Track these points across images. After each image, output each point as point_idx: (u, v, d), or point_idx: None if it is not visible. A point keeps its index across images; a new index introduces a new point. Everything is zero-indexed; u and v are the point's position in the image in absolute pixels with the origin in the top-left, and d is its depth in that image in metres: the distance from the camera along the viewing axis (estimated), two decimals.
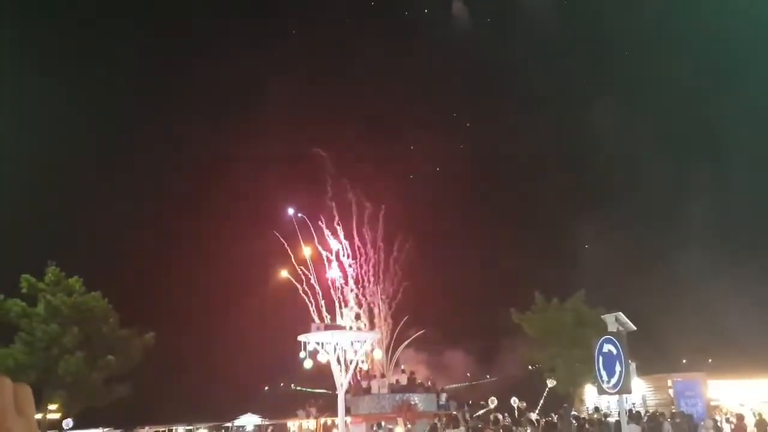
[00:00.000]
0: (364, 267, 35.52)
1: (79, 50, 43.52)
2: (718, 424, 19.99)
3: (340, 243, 35.32)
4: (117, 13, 46.33)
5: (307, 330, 17.60)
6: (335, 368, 17.33)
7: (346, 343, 17.91)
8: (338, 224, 35.42)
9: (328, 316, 33.11)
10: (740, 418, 19.86)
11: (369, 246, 35.85)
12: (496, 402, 28.12)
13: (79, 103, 41.24)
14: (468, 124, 49.55)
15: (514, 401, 27.23)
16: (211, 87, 49.00)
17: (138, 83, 45.78)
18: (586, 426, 19.47)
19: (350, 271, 35.18)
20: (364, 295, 35.01)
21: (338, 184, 36.43)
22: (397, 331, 34.13)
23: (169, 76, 47.67)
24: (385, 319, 34.86)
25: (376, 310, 34.96)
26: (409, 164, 43.89)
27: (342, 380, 17.20)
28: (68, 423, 25.34)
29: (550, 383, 27.56)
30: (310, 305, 33.70)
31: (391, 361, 33.73)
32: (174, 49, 47.43)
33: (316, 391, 33.44)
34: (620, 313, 10.55)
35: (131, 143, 45.34)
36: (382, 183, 37.41)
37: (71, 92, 40.43)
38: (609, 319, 10.32)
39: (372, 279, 35.41)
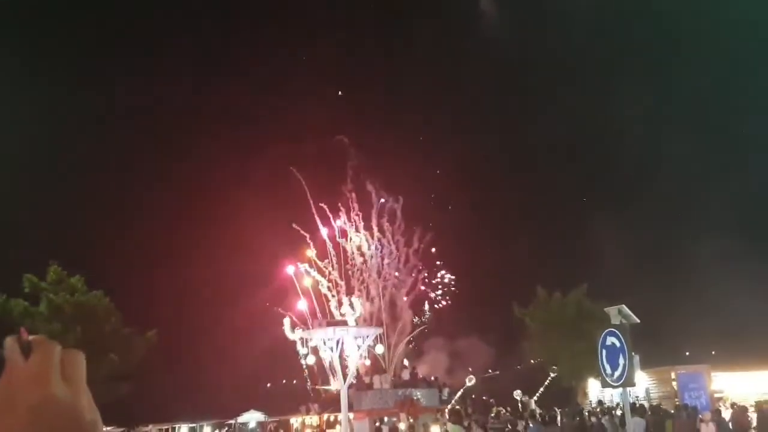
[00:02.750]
0: (386, 259, 35.65)
1: (88, 49, 43.63)
2: (721, 413, 19.86)
3: (359, 233, 35.39)
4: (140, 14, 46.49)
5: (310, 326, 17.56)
6: (337, 364, 17.29)
7: (348, 338, 17.85)
8: (358, 215, 35.53)
9: (353, 312, 33.10)
10: (743, 409, 19.79)
11: (388, 237, 35.97)
12: (474, 380, 28.30)
13: (83, 102, 41.22)
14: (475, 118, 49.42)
15: (518, 394, 27.30)
16: (232, 76, 48.93)
17: (145, 74, 45.75)
18: (592, 420, 19.40)
19: (372, 262, 35.26)
20: (385, 287, 35.15)
21: (359, 174, 36.28)
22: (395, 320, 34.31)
23: (187, 57, 47.69)
24: (405, 310, 35.11)
25: (399, 302, 35.18)
26: (428, 159, 43.49)
27: (344, 376, 17.15)
28: None
29: (552, 373, 27.64)
30: (332, 298, 33.78)
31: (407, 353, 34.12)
32: (197, 37, 47.58)
33: (319, 387, 33.52)
34: (623, 305, 10.52)
35: (133, 140, 45.26)
36: (401, 176, 37.25)
37: (75, 91, 40.44)
38: (612, 311, 10.29)
39: (392, 270, 35.57)
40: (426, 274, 36.18)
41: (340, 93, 43.17)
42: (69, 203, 39.50)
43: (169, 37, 48.27)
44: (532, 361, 33.38)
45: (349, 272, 34.95)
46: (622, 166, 45.67)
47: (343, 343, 17.28)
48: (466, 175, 45.57)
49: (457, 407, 27.41)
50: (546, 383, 27.51)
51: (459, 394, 28.93)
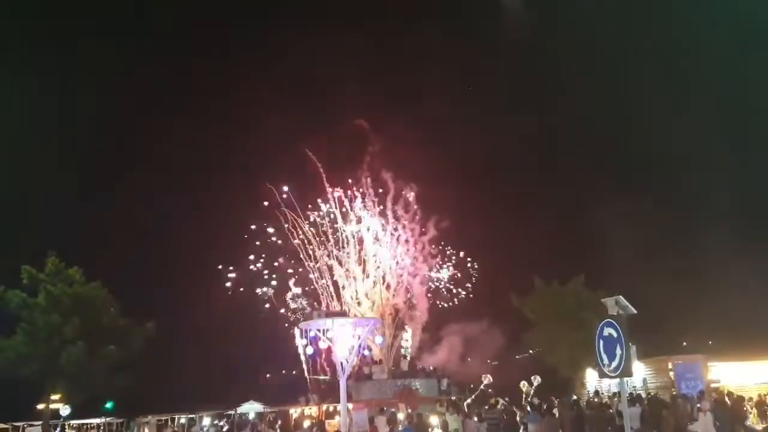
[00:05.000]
0: (401, 246, 35.67)
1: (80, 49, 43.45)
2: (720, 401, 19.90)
3: (374, 217, 35.36)
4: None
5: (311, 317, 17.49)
6: (336, 355, 17.29)
7: (347, 329, 17.83)
8: (374, 200, 35.53)
9: (371, 301, 33.19)
10: (740, 399, 19.86)
11: (403, 224, 35.99)
12: (490, 379, 28.44)
13: (78, 94, 41.12)
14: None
15: (524, 385, 27.53)
16: (248, 58, 48.52)
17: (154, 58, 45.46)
18: (610, 411, 19.44)
19: (387, 249, 35.28)
20: (400, 275, 35.20)
21: (375, 160, 35.98)
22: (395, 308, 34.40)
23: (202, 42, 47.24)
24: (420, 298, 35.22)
25: (414, 288, 35.30)
26: (437, 150, 43.21)
27: (343, 366, 17.16)
28: (66, 410, 25.42)
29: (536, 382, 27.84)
30: (348, 286, 33.81)
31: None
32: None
33: (319, 378, 33.61)
34: (620, 296, 10.54)
35: (133, 128, 45.14)
36: (417, 163, 37.02)
37: (73, 86, 40.35)
38: (609, 302, 10.30)
39: (408, 258, 35.59)
40: (438, 264, 36.19)
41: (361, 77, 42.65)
42: (67, 194, 39.47)
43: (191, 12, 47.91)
44: (530, 351, 33.50)
45: (365, 259, 35.03)
46: (621, 155, 45.67)
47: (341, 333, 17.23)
48: (465, 164, 45.46)
49: (453, 398, 27.54)
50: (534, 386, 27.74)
51: (476, 394, 29.17)
